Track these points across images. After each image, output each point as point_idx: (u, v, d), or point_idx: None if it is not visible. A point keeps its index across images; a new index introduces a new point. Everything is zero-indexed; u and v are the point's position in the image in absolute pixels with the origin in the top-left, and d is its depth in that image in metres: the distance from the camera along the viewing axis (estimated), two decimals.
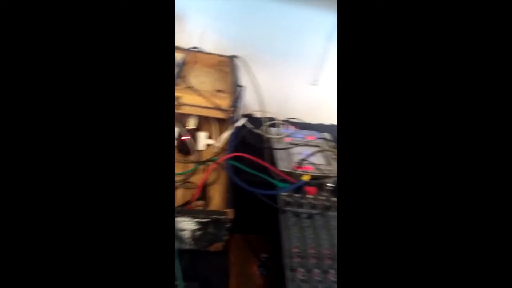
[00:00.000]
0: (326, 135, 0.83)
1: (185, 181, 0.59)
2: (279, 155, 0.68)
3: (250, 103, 0.86)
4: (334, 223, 0.52)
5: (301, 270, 0.43)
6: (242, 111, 0.87)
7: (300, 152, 0.70)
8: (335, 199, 0.57)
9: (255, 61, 0.82)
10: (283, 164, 0.64)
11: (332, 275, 0.44)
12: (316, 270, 0.44)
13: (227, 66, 0.82)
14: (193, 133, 0.70)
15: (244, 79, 0.81)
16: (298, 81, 0.92)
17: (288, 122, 0.87)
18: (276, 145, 0.72)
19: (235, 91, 0.77)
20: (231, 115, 0.70)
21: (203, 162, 0.64)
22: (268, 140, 0.74)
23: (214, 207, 0.52)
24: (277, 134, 0.78)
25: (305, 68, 0.89)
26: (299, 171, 0.59)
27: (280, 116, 0.87)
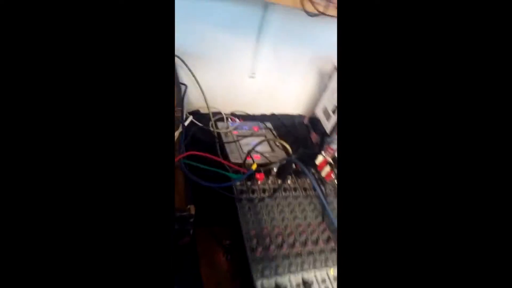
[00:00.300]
0: (269, 125, 0.91)
1: None
2: (230, 148, 0.74)
3: (195, 100, 0.89)
4: (282, 202, 0.61)
5: (260, 249, 0.51)
6: (188, 109, 0.89)
7: (248, 143, 0.77)
8: (281, 181, 0.65)
9: (193, 59, 0.84)
10: (234, 156, 0.70)
11: (286, 248, 0.52)
12: (272, 247, 0.52)
13: None
14: None
15: (185, 78, 0.84)
16: (237, 75, 0.96)
17: (233, 115, 0.92)
18: (226, 139, 0.78)
19: (178, 90, 0.79)
20: (178, 115, 0.73)
21: None
22: (218, 135, 0.79)
23: (176, 205, 0.56)
24: (225, 129, 0.83)
25: (242, 62, 0.94)
26: (249, 161, 0.65)
27: (225, 110, 0.91)
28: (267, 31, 0.88)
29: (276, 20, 0.86)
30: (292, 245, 0.54)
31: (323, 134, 0.91)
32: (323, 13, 0.66)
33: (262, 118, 0.99)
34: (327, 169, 0.67)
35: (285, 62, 0.99)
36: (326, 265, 0.52)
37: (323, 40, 0.98)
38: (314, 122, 0.98)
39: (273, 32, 0.88)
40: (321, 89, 0.99)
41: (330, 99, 0.91)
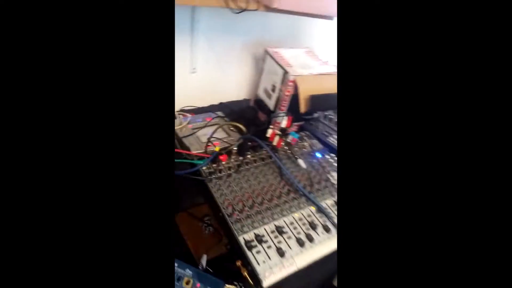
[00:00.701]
0: (219, 113, 1.00)
1: None
2: (189, 141, 0.81)
3: None
4: (247, 174, 0.71)
5: (236, 212, 0.61)
6: None
7: (205, 134, 0.85)
8: (242, 157, 0.75)
9: None
10: (195, 148, 0.78)
11: (256, 207, 0.63)
12: (246, 208, 0.62)
13: None
14: None
15: None
16: (179, 72, 1.02)
17: (183, 111, 0.99)
18: (182, 134, 0.85)
19: None
20: None
21: None
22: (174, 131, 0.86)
23: None
24: (180, 124, 0.90)
25: (182, 60, 1.00)
26: (210, 148, 0.74)
27: (176, 107, 0.98)
28: (199, 30, 0.96)
29: (205, 19, 0.94)
30: (261, 203, 0.65)
31: (268, 111, 1.03)
32: (245, 9, 0.76)
33: (211, 108, 1.07)
34: (276, 139, 0.78)
35: (222, 54, 1.08)
36: (291, 212, 0.64)
37: (251, 31, 1.09)
38: (259, 102, 1.10)
39: (204, 29, 0.96)
40: (259, 72, 1.10)
41: (268, 79, 1.02)
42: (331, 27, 1.23)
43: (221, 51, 1.07)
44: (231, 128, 0.91)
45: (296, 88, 0.89)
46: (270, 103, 1.01)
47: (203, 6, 0.80)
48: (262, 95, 1.07)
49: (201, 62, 1.05)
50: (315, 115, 1.04)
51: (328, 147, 0.92)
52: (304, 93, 0.88)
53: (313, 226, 0.63)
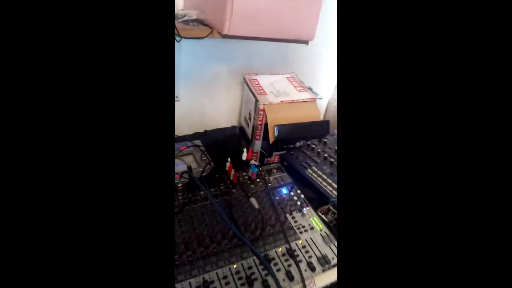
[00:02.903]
0: (197, 142, 0.95)
1: None
2: None
3: None
4: (191, 214, 0.64)
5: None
6: None
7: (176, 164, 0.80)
8: (191, 195, 0.68)
9: None
10: None
11: (187, 255, 0.55)
12: (175, 256, 0.55)
13: None
14: None
15: None
16: None
17: None
18: None
19: None
20: None
21: None
22: None
23: None
24: None
25: None
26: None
27: None
28: (179, 57, 0.93)
29: (188, 46, 0.90)
30: (194, 251, 0.56)
31: (248, 140, 0.95)
32: (189, 37, 0.68)
33: (195, 137, 1.02)
34: (232, 173, 0.70)
35: (207, 81, 1.04)
36: (229, 262, 0.55)
37: (237, 57, 1.04)
38: (242, 130, 1.03)
39: (186, 57, 0.93)
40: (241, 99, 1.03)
41: (245, 107, 0.95)
42: (322, 50, 1.13)
43: (206, 78, 1.04)
44: (204, 159, 0.85)
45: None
46: (248, 131, 0.94)
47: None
48: (243, 123, 1.00)
49: (184, 89, 1.02)
50: (297, 144, 0.94)
51: (301, 181, 0.81)
52: (272, 122, 0.79)
53: (250, 281, 0.53)
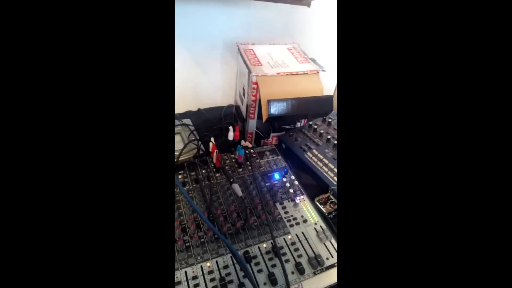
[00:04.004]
0: (187, 121, 0.85)
1: None
2: None
3: None
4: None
5: None
6: None
7: None
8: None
9: None
10: None
11: None
12: None
13: None
14: None
15: None
16: None
17: None
18: None
19: None
20: None
21: None
22: None
23: None
24: None
25: None
26: None
27: None
28: None
29: (178, 15, 0.80)
30: None
31: (243, 119, 0.84)
32: None
33: (184, 115, 0.93)
34: (215, 155, 0.60)
35: (201, 55, 0.93)
36: (202, 259, 0.46)
37: (234, 27, 0.92)
38: (238, 109, 0.92)
39: (177, 27, 0.82)
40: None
41: (240, 82, 0.84)
42: (329, 21, 0.98)
43: (200, 52, 0.93)
44: (192, 139, 0.76)
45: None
46: (243, 110, 0.83)
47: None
48: (238, 101, 0.89)
49: (176, 65, 0.91)
50: (298, 124, 0.82)
51: (299, 166, 0.70)
52: (265, 97, 0.67)
53: (223, 284, 0.43)
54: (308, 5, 0.67)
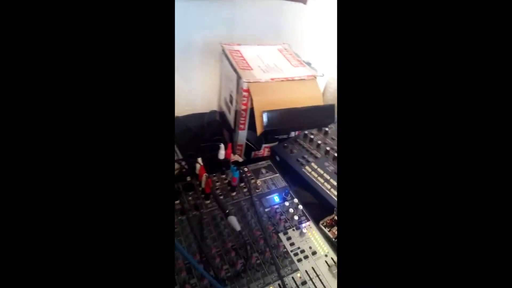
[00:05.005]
0: None
1: None
2: None
3: None
4: None
5: None
6: None
7: None
8: None
9: None
10: None
11: None
12: None
13: None
14: None
15: None
16: None
17: None
18: None
19: None
20: None
21: None
22: None
23: None
24: None
25: None
26: None
27: None
28: None
29: None
30: None
31: (230, 128, 0.75)
32: None
33: None
34: (204, 179, 0.51)
35: (176, 55, 0.82)
36: None
37: (215, 24, 0.81)
38: (223, 116, 0.82)
39: None
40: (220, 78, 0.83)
41: (226, 87, 0.74)
42: (320, 20, 0.91)
43: (176, 50, 0.81)
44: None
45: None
46: (230, 118, 0.74)
47: None
48: (224, 107, 0.80)
49: None
50: (292, 134, 0.74)
51: (298, 182, 0.62)
52: (260, 107, 0.59)
53: None
54: (305, 2, 0.59)
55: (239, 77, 0.61)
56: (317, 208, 0.57)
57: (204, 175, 0.50)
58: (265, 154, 0.74)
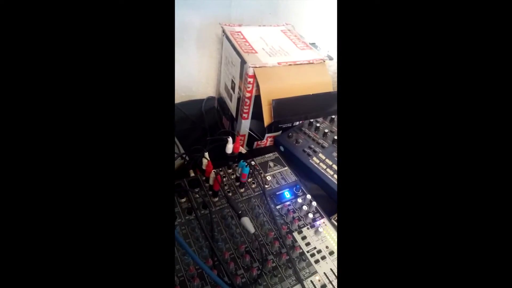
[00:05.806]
0: None
1: None
2: None
3: None
4: None
5: None
6: None
7: None
8: None
9: None
10: None
11: None
12: None
13: None
14: None
15: None
16: None
17: None
18: None
19: None
20: None
21: None
22: None
23: None
24: None
25: None
26: None
27: None
28: None
29: None
30: None
31: (231, 118, 0.70)
32: None
33: None
34: (213, 175, 0.46)
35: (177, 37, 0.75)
36: None
37: (210, 4, 0.74)
38: (222, 104, 0.77)
39: None
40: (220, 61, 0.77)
41: (227, 72, 0.69)
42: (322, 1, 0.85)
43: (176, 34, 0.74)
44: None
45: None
46: (232, 106, 0.68)
47: None
48: (224, 94, 0.74)
49: None
50: (296, 123, 0.70)
51: (305, 174, 0.59)
52: (267, 95, 0.54)
53: None
54: None
55: (243, 61, 0.56)
56: (325, 200, 0.54)
57: (213, 172, 0.46)
58: (267, 144, 0.70)
